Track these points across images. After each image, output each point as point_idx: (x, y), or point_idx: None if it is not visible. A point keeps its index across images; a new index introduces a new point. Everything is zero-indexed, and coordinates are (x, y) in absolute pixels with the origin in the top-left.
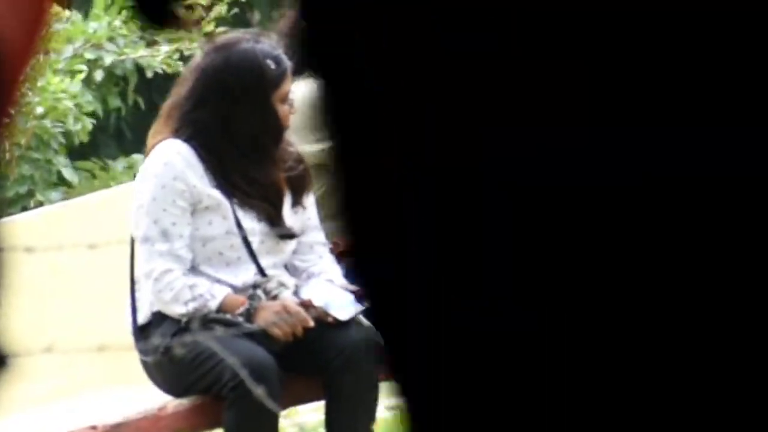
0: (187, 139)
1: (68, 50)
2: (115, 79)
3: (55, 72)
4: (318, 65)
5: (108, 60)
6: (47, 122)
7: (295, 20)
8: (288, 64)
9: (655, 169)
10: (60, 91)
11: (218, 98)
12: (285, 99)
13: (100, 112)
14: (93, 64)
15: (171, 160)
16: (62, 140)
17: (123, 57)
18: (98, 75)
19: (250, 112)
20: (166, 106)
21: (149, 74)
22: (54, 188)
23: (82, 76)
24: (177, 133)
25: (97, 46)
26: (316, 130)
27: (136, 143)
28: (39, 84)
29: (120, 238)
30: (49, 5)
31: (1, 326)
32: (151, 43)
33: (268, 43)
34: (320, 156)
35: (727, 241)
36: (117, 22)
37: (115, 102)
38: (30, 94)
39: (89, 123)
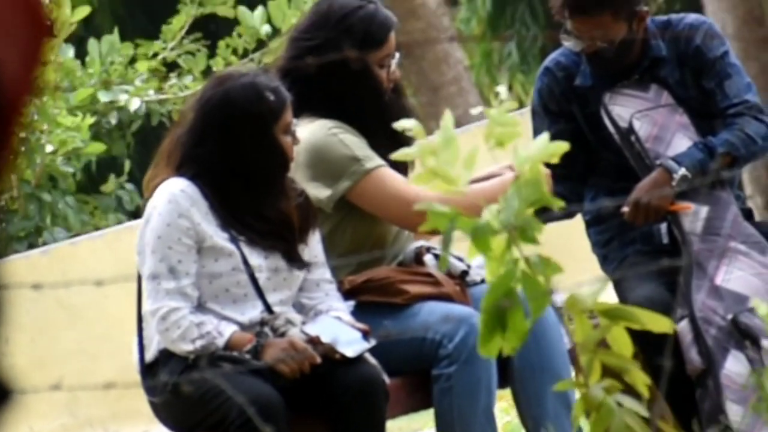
0: (191, 177)
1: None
2: (120, 126)
3: (68, 110)
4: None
5: (122, 99)
6: (59, 160)
7: (289, 60)
8: (287, 95)
9: None
10: (73, 129)
11: (220, 132)
12: (287, 130)
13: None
14: (108, 106)
15: (175, 199)
16: (72, 179)
17: (134, 99)
18: (113, 118)
19: (254, 145)
20: (166, 144)
21: (154, 122)
22: (61, 226)
23: (92, 120)
24: (180, 171)
25: (107, 87)
26: (316, 177)
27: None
28: (51, 120)
29: (127, 276)
30: (45, 35)
31: (5, 363)
32: (161, 86)
33: (266, 76)
34: (319, 202)
35: None
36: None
37: (119, 149)
38: (41, 131)
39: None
